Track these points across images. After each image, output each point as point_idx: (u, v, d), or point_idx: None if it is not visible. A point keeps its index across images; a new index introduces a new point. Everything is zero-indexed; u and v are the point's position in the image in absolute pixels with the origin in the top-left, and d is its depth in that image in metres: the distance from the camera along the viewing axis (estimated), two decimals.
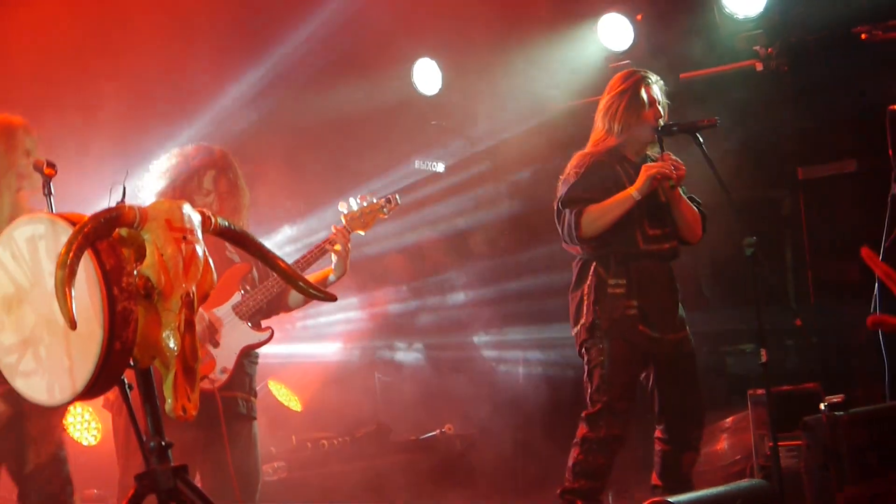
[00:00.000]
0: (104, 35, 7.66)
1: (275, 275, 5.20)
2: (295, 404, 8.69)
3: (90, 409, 7.36)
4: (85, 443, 7.42)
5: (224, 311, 5.81)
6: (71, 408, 7.03)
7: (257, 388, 6.06)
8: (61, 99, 7.39)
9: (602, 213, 5.80)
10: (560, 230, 5.97)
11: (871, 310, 6.84)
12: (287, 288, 5.79)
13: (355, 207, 5.96)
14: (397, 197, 6.09)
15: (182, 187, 5.85)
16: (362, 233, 5.97)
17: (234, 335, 5.82)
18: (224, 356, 5.77)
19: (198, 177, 5.91)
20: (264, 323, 5.97)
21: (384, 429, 8.58)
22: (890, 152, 6.84)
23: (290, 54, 8.44)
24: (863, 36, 7.59)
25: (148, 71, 7.82)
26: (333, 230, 5.87)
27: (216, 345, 5.73)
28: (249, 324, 5.84)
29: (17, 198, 5.23)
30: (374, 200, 6.00)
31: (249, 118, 8.53)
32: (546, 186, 6.35)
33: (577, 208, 5.84)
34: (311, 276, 5.78)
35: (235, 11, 8.17)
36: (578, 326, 5.90)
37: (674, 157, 5.81)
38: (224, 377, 5.75)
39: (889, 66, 7.72)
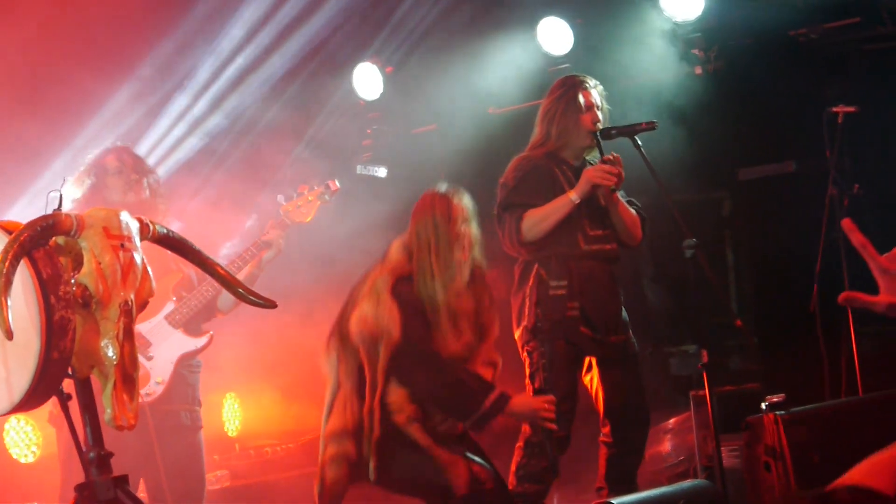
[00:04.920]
0: None
1: (208, 278, 5.18)
2: (232, 429, 8.42)
3: (33, 423, 7.12)
4: (23, 460, 6.92)
5: (156, 322, 5.76)
6: (14, 420, 6.83)
7: (202, 398, 6.02)
8: None
9: (542, 217, 5.80)
10: (501, 235, 5.97)
11: (811, 302, 6.94)
12: (218, 291, 5.77)
13: (294, 198, 6.08)
14: (336, 181, 6.21)
15: (97, 181, 5.95)
16: (307, 220, 6.09)
17: (168, 345, 5.77)
18: (159, 367, 5.72)
19: (105, 163, 5.99)
20: (205, 326, 5.94)
21: None
22: (828, 153, 6.93)
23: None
24: (800, 38, 7.69)
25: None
26: (269, 226, 6.00)
27: (148, 358, 5.68)
28: (181, 330, 5.79)
29: None
30: (315, 188, 6.13)
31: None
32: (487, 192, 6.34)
33: (518, 213, 5.85)
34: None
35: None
36: (520, 328, 5.88)
37: (614, 156, 5.83)
38: (160, 389, 5.70)
39: (826, 68, 7.81)
